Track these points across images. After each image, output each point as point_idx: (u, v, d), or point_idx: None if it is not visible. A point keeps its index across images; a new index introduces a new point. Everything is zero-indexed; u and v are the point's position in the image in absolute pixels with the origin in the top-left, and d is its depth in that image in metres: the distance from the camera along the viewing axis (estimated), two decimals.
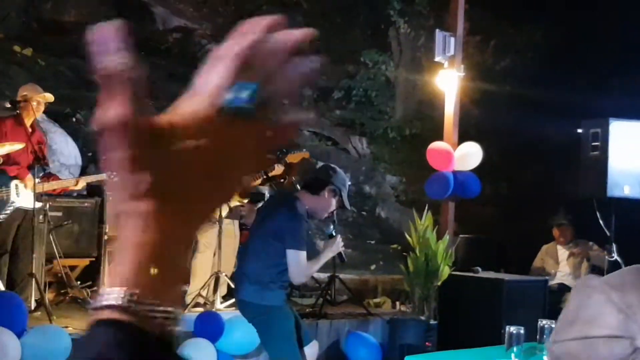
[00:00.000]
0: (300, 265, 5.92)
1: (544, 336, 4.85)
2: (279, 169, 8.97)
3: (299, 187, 9.18)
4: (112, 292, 0.78)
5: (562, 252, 10.23)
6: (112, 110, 0.78)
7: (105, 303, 0.78)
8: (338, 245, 6.30)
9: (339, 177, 6.26)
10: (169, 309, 0.79)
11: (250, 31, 0.81)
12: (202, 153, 0.78)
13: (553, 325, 3.45)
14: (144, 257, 0.78)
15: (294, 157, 9.05)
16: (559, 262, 10.22)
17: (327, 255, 6.31)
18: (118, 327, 0.77)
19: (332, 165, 6.50)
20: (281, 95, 0.81)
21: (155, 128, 0.79)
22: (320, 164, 15.78)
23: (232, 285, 8.83)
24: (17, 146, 8.07)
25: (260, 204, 9.44)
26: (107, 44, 0.81)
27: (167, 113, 0.80)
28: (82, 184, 8.79)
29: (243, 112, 0.78)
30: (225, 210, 8.82)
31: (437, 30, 10.12)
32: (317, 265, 6.23)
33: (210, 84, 0.80)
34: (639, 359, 1.30)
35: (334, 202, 6.22)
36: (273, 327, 6.11)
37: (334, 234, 6.44)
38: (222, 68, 0.79)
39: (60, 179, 8.74)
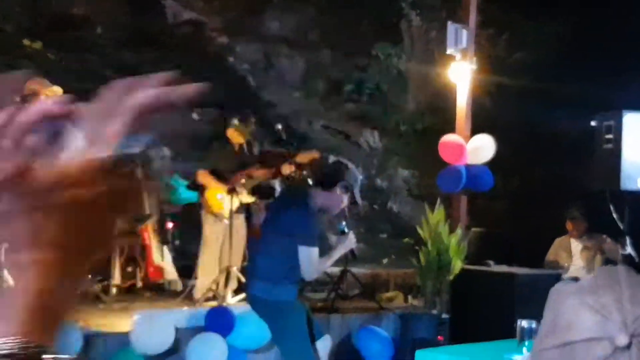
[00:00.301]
0: (312, 262, 5.94)
1: None
2: (289, 168, 8.93)
3: (310, 181, 9.15)
4: (5, 341, 0.79)
5: (576, 246, 10.17)
6: None
7: (1, 352, 0.79)
8: (350, 241, 6.33)
9: (351, 173, 6.25)
10: (55, 350, 0.82)
11: (143, 87, 0.84)
12: (88, 203, 0.81)
13: None
14: (36, 304, 0.80)
15: (303, 157, 9.01)
16: (573, 255, 10.16)
17: (339, 252, 6.35)
18: None
19: (344, 161, 6.48)
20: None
21: (42, 179, 0.80)
22: (332, 158, 15.77)
23: (243, 280, 8.82)
24: None
25: (270, 199, 9.43)
26: None
27: (54, 162, 0.81)
28: None
29: (130, 161, 0.81)
30: (235, 205, 8.79)
31: (449, 22, 10.07)
32: (330, 261, 6.26)
33: (106, 132, 0.81)
34: (619, 358, 1.27)
35: (345, 199, 6.19)
36: (284, 322, 6.13)
37: (346, 230, 6.46)
38: (120, 121, 0.81)
39: None
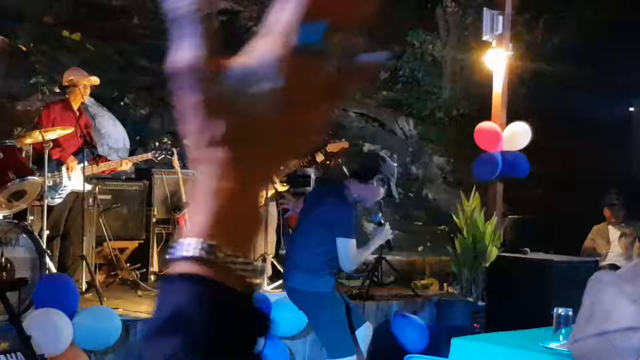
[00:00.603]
0: (350, 253, 6.01)
1: None
2: (322, 156, 8.97)
3: (345, 169, 9.19)
4: (189, 243, 0.75)
5: (614, 233, 10.12)
6: (182, 52, 0.77)
7: (182, 254, 0.75)
8: (387, 232, 6.40)
9: (387, 165, 6.32)
10: (248, 259, 0.76)
11: None
12: (277, 95, 0.75)
13: None
14: (222, 205, 0.75)
15: (334, 147, 9.04)
16: (610, 242, 10.11)
17: (376, 243, 6.43)
18: (196, 281, 0.74)
19: (381, 154, 6.56)
20: (351, 41, 0.79)
21: (227, 70, 0.76)
22: (367, 146, 15.78)
23: (278, 267, 8.87)
24: (67, 131, 8.15)
25: (306, 188, 9.47)
26: None
27: (240, 55, 0.78)
28: (127, 165, 8.89)
29: (315, 51, 0.75)
30: (270, 193, 8.84)
31: (485, 8, 10.02)
32: (367, 252, 6.38)
33: (281, 22, 0.76)
34: None
35: (382, 191, 6.26)
36: (324, 314, 6.23)
37: (382, 221, 6.54)
38: (292, 5, 0.76)
39: (108, 161, 8.85)
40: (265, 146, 0.76)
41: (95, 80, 8.68)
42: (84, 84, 8.54)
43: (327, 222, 6.04)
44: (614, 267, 9.78)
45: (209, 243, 0.74)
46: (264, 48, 0.76)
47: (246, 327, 0.77)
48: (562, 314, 4.67)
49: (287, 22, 0.75)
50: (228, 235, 0.75)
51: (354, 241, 6.04)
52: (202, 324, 0.72)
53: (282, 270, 8.81)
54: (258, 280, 0.78)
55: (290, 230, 10.48)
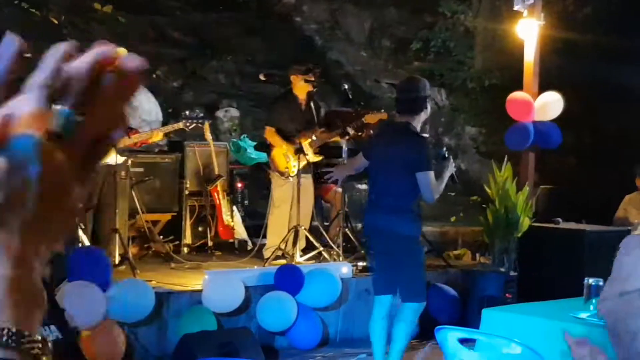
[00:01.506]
0: (431, 184, 6.30)
1: None
2: (351, 131, 8.97)
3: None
4: None
5: None
6: None
7: None
8: (452, 165, 6.75)
9: (424, 84, 6.63)
10: (38, 338, 0.78)
11: (50, 61, 0.82)
12: (44, 180, 0.77)
13: None
14: (6, 289, 0.76)
15: (371, 118, 9.03)
16: None
17: (446, 175, 6.67)
18: None
19: (411, 79, 6.94)
20: (104, 114, 0.81)
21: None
22: (398, 117, 15.73)
23: (311, 239, 8.91)
24: None
25: (338, 159, 9.48)
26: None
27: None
28: (158, 135, 8.89)
29: (65, 134, 0.78)
30: (303, 164, 8.85)
31: None
32: (443, 183, 6.61)
33: (22, 112, 0.78)
34: None
35: (429, 109, 6.65)
36: (416, 257, 6.59)
37: (446, 155, 6.89)
38: (32, 97, 0.78)
39: (139, 133, 8.87)
40: (36, 230, 0.78)
41: (123, 52, 8.69)
42: None
43: (408, 161, 6.28)
44: (630, 235, 9.73)
45: (4, 328, 0.76)
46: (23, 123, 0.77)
47: None
48: (593, 284, 4.67)
49: (29, 113, 0.77)
50: (16, 315, 0.76)
51: (432, 172, 6.32)
52: None
53: (313, 240, 8.87)
54: (48, 356, 0.79)
55: (323, 201, 10.54)
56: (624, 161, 11.18)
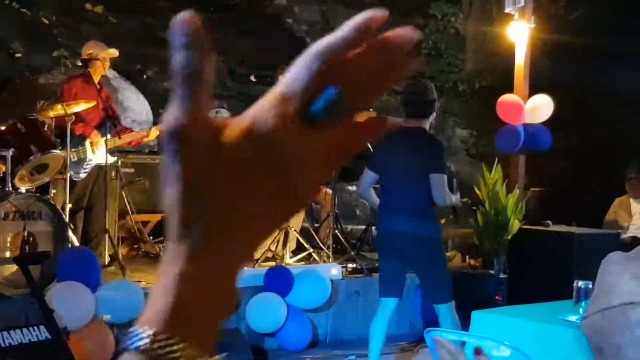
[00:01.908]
0: (444, 187, 6.31)
1: None
2: None
3: (367, 142, 9.18)
4: (140, 333, 0.66)
5: (636, 205, 10.08)
6: (170, 113, 0.67)
7: (124, 345, 0.67)
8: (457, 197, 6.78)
9: (432, 87, 6.64)
10: (193, 346, 0.66)
11: (346, 30, 0.70)
12: (272, 164, 0.67)
13: None
14: (187, 292, 0.67)
15: (360, 117, 9.01)
16: (632, 215, 10.07)
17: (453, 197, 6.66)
18: None
19: (419, 83, 6.79)
20: (363, 99, 0.71)
21: (218, 136, 0.68)
22: (389, 119, 15.74)
23: (301, 241, 8.91)
24: (91, 104, 8.18)
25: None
26: (183, 38, 0.69)
27: (240, 116, 0.70)
28: (153, 134, 8.88)
29: (322, 119, 0.68)
30: None
31: None
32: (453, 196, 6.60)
33: (293, 86, 0.69)
34: None
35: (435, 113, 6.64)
36: (441, 258, 6.64)
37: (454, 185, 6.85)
38: (304, 69, 0.69)
39: (132, 132, 8.85)
40: (246, 224, 0.68)
41: (114, 52, 8.67)
42: (103, 56, 8.54)
43: (424, 164, 6.32)
44: (636, 239, 9.78)
45: (166, 335, 0.66)
46: (266, 115, 0.69)
47: None
48: (582, 287, 4.67)
49: (297, 89, 0.69)
50: (189, 327, 0.67)
51: (445, 176, 6.35)
52: None
53: (303, 241, 8.86)
54: None
55: (313, 203, 10.53)
56: (614, 164, 11.22)
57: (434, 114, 6.60)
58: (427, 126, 6.51)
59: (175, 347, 0.65)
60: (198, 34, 0.69)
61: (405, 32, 0.70)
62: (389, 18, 0.71)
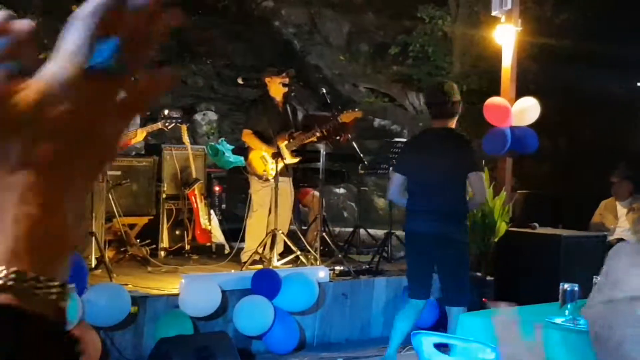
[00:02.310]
0: (484, 185, 6.59)
1: None
2: (313, 137, 8.98)
3: (354, 145, 9.22)
4: None
5: (621, 208, 10.12)
6: None
7: None
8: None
9: (453, 89, 6.69)
10: (56, 282, 0.71)
11: None
12: (72, 117, 0.73)
13: None
14: (26, 230, 0.70)
15: (347, 117, 9.04)
16: (618, 217, 10.11)
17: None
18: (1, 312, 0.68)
19: (440, 84, 6.93)
20: (141, 51, 0.77)
21: (16, 97, 0.73)
22: (377, 122, 15.76)
23: (289, 243, 8.89)
24: None
25: (317, 163, 9.47)
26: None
27: (31, 80, 0.74)
28: (141, 134, 8.86)
29: (106, 69, 0.74)
30: (280, 167, 8.83)
31: None
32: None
33: (71, 44, 0.74)
34: None
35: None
36: (467, 261, 6.74)
37: None
38: (81, 27, 0.74)
39: None
40: (66, 168, 0.74)
41: None
42: None
43: (457, 163, 6.42)
44: (622, 242, 9.81)
45: (11, 269, 0.69)
46: (53, 70, 0.74)
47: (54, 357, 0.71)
48: (568, 289, 4.69)
49: (75, 45, 0.74)
50: (32, 259, 0.70)
51: (483, 174, 6.58)
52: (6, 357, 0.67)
53: (291, 244, 8.85)
54: (66, 303, 0.73)
55: (301, 205, 10.55)
56: (600, 167, 11.26)
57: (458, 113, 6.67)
58: (453, 126, 6.60)
59: (47, 286, 0.70)
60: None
61: None
62: None
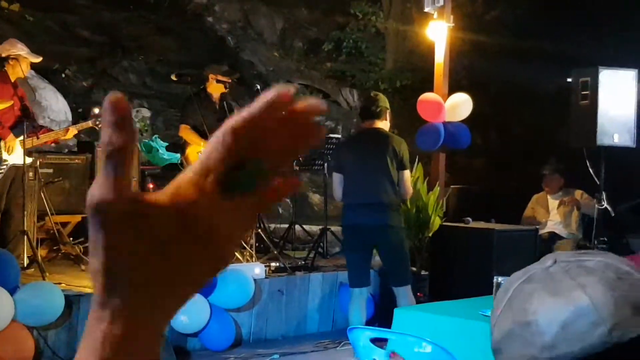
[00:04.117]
0: (410, 182, 7.22)
1: None
2: None
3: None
4: None
5: (552, 201, 10.27)
6: (95, 188, 0.70)
7: None
8: None
9: (380, 97, 7.44)
10: None
11: (257, 105, 0.74)
12: (195, 234, 0.71)
13: None
14: (107, 354, 0.69)
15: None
16: (550, 211, 10.26)
17: None
18: None
19: (373, 94, 7.65)
20: (277, 167, 0.74)
21: (142, 211, 0.70)
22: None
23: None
24: (6, 104, 8.02)
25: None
26: (111, 116, 0.71)
27: (164, 190, 0.72)
28: (72, 132, 8.73)
29: (241, 190, 0.72)
30: None
31: None
32: None
33: (211, 159, 0.72)
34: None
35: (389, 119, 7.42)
36: (406, 245, 7.38)
37: None
38: (223, 143, 0.72)
39: (49, 131, 8.70)
40: (169, 294, 0.72)
41: (36, 58, 8.50)
42: (26, 60, 8.39)
43: (393, 159, 7.06)
44: (553, 235, 9.98)
45: None
46: (187, 189, 0.72)
47: None
48: (502, 282, 4.73)
49: (216, 160, 0.72)
50: None
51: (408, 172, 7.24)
52: None
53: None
54: None
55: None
56: (532, 161, 11.43)
57: (388, 118, 7.35)
58: (384, 127, 7.26)
59: None
60: (123, 114, 0.71)
61: (313, 104, 0.74)
62: (297, 90, 0.76)
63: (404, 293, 7.22)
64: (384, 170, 7.06)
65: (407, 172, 7.24)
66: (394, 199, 7.09)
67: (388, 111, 7.37)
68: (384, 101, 7.35)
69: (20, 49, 8.38)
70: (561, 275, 1.28)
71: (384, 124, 7.30)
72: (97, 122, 8.70)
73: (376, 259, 7.73)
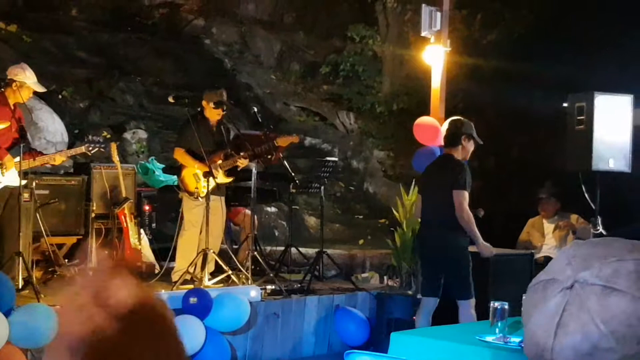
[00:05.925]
0: (464, 204, 7.48)
1: None
2: (243, 162, 9.01)
3: (286, 164, 9.23)
4: None
5: (548, 225, 10.27)
6: None
7: None
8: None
9: (465, 124, 7.74)
10: None
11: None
12: None
13: None
14: None
15: (283, 141, 9.07)
16: (545, 235, 10.27)
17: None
18: None
19: (455, 118, 7.93)
20: None
21: None
22: (308, 140, 15.81)
23: (220, 262, 8.86)
24: (4, 125, 8.02)
25: (248, 182, 9.47)
26: None
27: None
28: (60, 158, 8.68)
29: None
30: (211, 186, 8.79)
31: (423, 5, 10.09)
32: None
33: None
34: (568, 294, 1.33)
35: (472, 144, 7.76)
36: (469, 263, 7.67)
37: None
38: None
39: (40, 154, 8.68)
40: None
41: (39, 88, 8.52)
42: (30, 89, 8.40)
43: (450, 183, 7.44)
44: (548, 259, 9.96)
45: None
46: None
47: None
48: (498, 307, 4.74)
49: None
50: None
51: (466, 193, 7.51)
52: None
53: (222, 263, 8.81)
54: None
55: (232, 224, 10.51)
56: (528, 185, 11.43)
57: (464, 144, 7.69)
58: (458, 153, 7.68)
59: None
60: None
61: None
62: None
63: (464, 307, 7.55)
64: (446, 194, 7.49)
65: (458, 192, 7.53)
66: (454, 220, 7.50)
67: (463, 137, 7.70)
68: (462, 127, 7.74)
69: (27, 77, 8.36)
70: None
71: (457, 150, 7.71)
72: (90, 147, 8.68)
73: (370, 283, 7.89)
